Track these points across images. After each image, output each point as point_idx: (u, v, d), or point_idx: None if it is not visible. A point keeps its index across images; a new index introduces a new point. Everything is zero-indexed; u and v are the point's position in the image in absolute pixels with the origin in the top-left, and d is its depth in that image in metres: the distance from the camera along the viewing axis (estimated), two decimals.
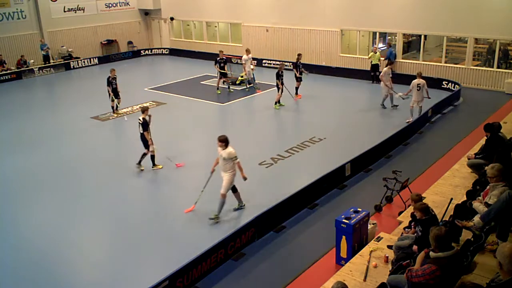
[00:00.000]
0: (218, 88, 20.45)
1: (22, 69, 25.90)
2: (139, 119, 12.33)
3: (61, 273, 8.49)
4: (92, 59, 28.81)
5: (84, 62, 28.42)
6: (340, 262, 7.98)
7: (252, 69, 20.83)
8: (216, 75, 20.62)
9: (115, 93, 17.35)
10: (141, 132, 12.29)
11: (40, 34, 27.69)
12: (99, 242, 9.79)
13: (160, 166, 12.75)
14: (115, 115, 17.62)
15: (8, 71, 25.29)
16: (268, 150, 13.81)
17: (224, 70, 20.17)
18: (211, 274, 8.28)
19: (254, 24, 27.06)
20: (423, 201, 7.63)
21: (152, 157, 12.60)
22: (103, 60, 29.18)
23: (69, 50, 28.69)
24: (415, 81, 15.48)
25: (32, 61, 26.55)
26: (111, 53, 30.34)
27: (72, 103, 20.50)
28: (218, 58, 20.12)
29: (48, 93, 23.50)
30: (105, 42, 30.82)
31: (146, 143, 12.37)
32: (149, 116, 12.46)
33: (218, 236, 8.58)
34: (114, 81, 17.20)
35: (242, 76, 21.48)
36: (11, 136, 16.12)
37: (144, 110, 12.43)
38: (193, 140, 15.42)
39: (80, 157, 13.95)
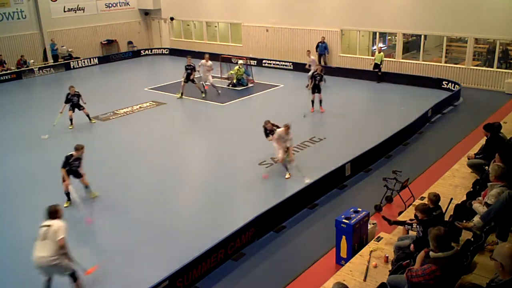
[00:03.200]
0: (182, 94, 20.00)
1: (22, 69, 25.88)
2: (72, 154, 10.81)
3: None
4: (92, 59, 28.78)
5: (84, 62, 28.38)
6: (340, 262, 7.98)
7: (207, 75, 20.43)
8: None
9: (78, 106, 16.80)
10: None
11: (40, 34, 27.67)
12: (95, 245, 9.80)
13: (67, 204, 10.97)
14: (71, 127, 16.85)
15: (8, 71, 25.27)
16: (267, 150, 13.80)
17: (190, 77, 19.76)
18: (211, 274, 8.29)
19: (254, 24, 27.06)
20: (423, 201, 7.65)
21: (67, 194, 10.88)
22: (103, 60, 29.18)
23: (69, 50, 28.70)
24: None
25: (32, 61, 26.55)
26: (111, 53, 30.34)
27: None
28: (186, 65, 19.90)
29: (48, 93, 23.47)
30: (105, 42, 30.82)
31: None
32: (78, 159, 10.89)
33: (218, 236, 8.58)
34: (74, 98, 16.68)
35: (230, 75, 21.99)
36: (11, 136, 16.13)
37: (79, 148, 10.82)
38: (191, 141, 15.44)
39: None
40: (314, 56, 21.79)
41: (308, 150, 13.90)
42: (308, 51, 21.19)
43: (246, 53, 26.50)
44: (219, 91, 20.39)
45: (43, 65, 26.88)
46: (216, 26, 29.99)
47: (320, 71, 17.39)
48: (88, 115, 17.19)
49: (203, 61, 20.34)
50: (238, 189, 11.66)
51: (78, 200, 10.58)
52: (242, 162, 13.25)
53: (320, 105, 17.41)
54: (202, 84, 20.40)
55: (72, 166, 10.71)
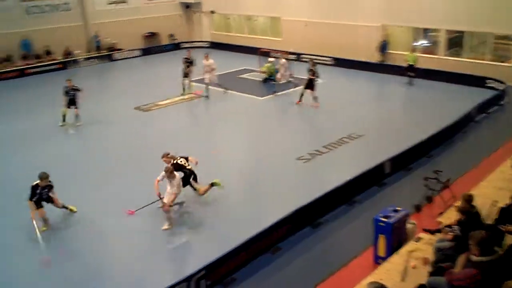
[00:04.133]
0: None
1: (68, 59, 26.76)
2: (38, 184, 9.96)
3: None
4: (134, 51, 29.44)
5: (127, 53, 29.07)
6: (378, 261, 7.93)
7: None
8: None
9: (73, 102, 16.52)
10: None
11: (85, 25, 28.49)
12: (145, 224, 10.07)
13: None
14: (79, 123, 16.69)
15: (55, 61, 26.19)
16: (305, 145, 13.80)
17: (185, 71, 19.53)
18: (248, 266, 8.39)
19: (293, 18, 26.94)
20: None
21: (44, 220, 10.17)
22: (145, 52, 29.79)
23: (113, 41, 29.40)
24: None
25: (78, 51, 27.39)
26: (152, 45, 30.89)
27: (116, 93, 21.10)
28: (184, 57, 19.79)
29: (93, 83, 24.15)
30: (147, 34, 31.38)
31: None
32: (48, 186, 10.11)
33: (255, 229, 8.66)
34: (71, 91, 16.43)
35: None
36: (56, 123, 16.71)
37: (44, 177, 10.02)
38: (230, 132, 15.60)
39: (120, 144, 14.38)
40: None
41: (346, 146, 13.79)
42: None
43: (286, 47, 26.39)
44: (207, 95, 19.50)
45: (87, 56, 27.68)
46: (256, 20, 30.04)
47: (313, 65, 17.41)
48: (77, 116, 16.59)
49: (204, 60, 19.71)
50: (275, 183, 11.71)
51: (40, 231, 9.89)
52: (278, 156, 13.29)
53: (314, 101, 17.45)
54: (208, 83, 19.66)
55: (42, 195, 9.99)
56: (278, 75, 20.39)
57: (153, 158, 11.48)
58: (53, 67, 25.79)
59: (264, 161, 13.11)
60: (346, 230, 9.59)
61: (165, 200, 9.80)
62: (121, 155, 13.78)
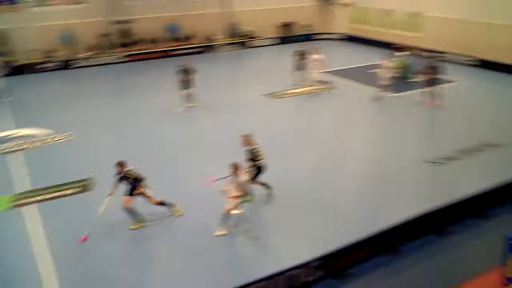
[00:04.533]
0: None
1: (207, 44, 28.46)
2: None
3: None
4: (269, 39, 30.26)
5: (262, 41, 30.00)
6: (507, 282, 7.30)
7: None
8: None
9: (185, 85, 16.84)
10: None
11: (225, 13, 29.89)
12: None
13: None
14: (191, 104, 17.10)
15: (196, 45, 28.02)
16: (435, 147, 13.06)
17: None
18: (364, 264, 8.28)
19: (436, 15, 25.40)
20: None
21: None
22: (280, 41, 30.44)
23: (250, 29, 30.49)
24: None
25: (217, 37, 28.95)
26: (287, 35, 31.42)
27: (247, 79, 21.98)
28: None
29: (229, 68, 25.41)
30: (283, 24, 31.95)
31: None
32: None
33: (376, 228, 8.46)
34: (183, 73, 16.81)
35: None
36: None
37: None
38: (358, 128, 15.35)
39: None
40: None
41: (481, 154, 12.73)
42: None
43: (424, 43, 25.02)
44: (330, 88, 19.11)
45: (225, 42, 29.12)
46: (394, 15, 28.89)
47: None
48: (190, 96, 16.99)
49: (312, 54, 19.15)
50: (400, 184, 11.31)
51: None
52: (405, 158, 12.77)
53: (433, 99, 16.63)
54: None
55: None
56: (416, 72, 19.46)
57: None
58: (193, 50, 27.61)
59: (388, 160, 12.69)
60: (474, 244, 8.94)
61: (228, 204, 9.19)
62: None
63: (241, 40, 29.67)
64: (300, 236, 9.31)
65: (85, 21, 26.40)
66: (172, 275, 8.23)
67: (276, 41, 30.43)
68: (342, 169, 12.34)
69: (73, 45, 26.14)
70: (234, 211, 9.18)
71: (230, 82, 21.56)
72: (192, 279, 8.08)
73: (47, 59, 25.34)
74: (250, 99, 18.50)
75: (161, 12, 27.74)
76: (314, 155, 13.12)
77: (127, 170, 9.42)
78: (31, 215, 10.19)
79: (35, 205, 10.59)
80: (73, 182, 11.57)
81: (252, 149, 10.08)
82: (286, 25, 32.03)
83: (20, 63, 24.51)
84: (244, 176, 9.18)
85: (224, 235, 9.18)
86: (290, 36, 31.20)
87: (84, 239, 9.18)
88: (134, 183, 9.40)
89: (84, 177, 11.78)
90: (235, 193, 9.06)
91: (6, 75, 21.30)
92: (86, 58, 25.90)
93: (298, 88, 19.32)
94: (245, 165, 9.90)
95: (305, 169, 12.24)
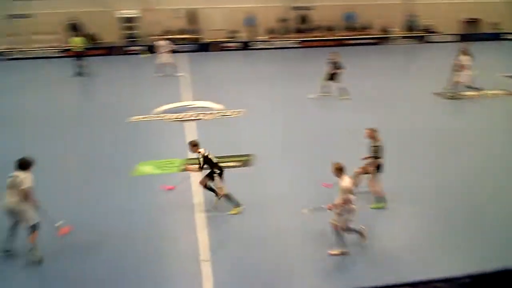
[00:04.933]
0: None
1: (383, 35, 27.86)
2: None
3: None
4: (450, 36, 28.41)
5: (442, 37, 28.33)
6: None
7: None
8: None
9: (331, 77, 16.89)
10: None
11: (403, 5, 28.83)
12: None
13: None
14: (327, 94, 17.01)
15: (371, 36, 27.69)
16: None
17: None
18: None
19: None
20: None
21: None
22: (462, 38, 28.37)
23: (429, 23, 28.99)
24: None
25: (394, 29, 28.16)
26: (471, 32, 29.11)
27: (420, 75, 21.06)
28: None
29: (403, 61, 24.60)
30: (467, 20, 29.67)
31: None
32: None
33: None
34: (331, 64, 16.84)
35: None
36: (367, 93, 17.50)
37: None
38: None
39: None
40: None
41: None
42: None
43: None
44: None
45: (401, 35, 28.18)
46: None
47: None
48: (341, 89, 16.76)
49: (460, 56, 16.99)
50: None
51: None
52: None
53: None
54: None
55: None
56: None
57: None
58: (368, 41, 27.32)
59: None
60: None
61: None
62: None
63: (419, 34, 28.39)
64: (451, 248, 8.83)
65: (268, 6, 27.90)
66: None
67: (458, 38, 28.38)
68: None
69: (253, 28, 27.95)
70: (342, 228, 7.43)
71: (400, 76, 20.84)
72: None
73: (231, 39, 27.55)
74: (416, 96, 17.67)
75: (340, 0, 27.96)
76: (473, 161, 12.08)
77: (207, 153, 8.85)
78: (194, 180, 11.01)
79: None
80: (236, 156, 12.41)
81: (375, 145, 9.20)
82: (471, 22, 29.64)
83: (206, 41, 27.10)
84: (346, 181, 7.32)
85: (338, 255, 7.55)
86: (473, 34, 28.86)
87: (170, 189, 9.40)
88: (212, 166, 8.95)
89: (246, 153, 12.60)
90: (339, 202, 7.31)
91: (191, 51, 23.69)
92: (264, 41, 27.49)
93: (477, 91, 17.62)
94: (364, 161, 9.26)
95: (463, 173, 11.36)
